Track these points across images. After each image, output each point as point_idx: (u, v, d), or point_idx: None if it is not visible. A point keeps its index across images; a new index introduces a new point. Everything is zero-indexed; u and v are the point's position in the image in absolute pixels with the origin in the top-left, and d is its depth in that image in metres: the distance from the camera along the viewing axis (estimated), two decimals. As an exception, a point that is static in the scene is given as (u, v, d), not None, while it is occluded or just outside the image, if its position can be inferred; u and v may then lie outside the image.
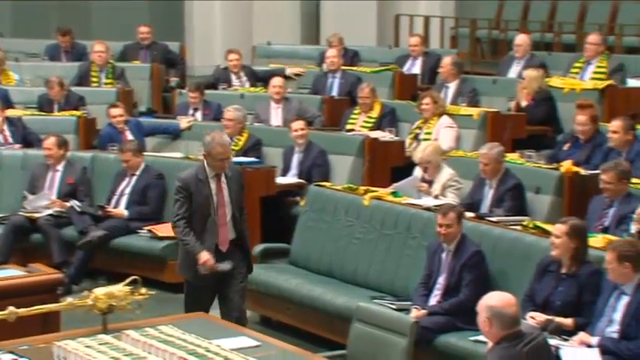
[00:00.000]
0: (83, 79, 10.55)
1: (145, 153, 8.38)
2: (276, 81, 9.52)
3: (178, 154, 8.60)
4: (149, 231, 7.78)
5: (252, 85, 10.43)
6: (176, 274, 7.54)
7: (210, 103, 9.67)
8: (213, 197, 5.67)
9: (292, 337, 5.95)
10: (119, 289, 4.56)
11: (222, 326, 4.86)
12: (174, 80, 11.34)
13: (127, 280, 4.61)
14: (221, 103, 9.46)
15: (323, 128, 9.14)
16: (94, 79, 10.59)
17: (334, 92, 10.07)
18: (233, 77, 10.58)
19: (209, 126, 9.13)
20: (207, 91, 9.87)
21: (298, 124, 8.41)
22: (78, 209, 7.89)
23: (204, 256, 5.64)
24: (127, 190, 8.06)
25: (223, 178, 5.71)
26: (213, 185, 5.69)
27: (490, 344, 4.15)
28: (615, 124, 7.15)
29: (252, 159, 8.28)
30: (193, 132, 9.22)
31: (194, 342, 4.33)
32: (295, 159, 8.43)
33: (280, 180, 8.18)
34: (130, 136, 8.88)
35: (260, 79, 10.56)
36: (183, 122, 9.34)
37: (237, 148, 8.57)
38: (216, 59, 12.32)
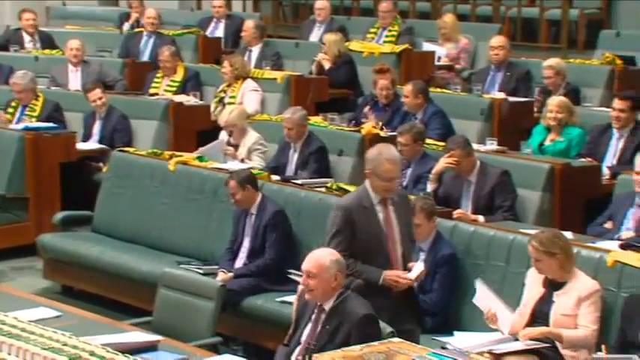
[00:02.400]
0: None
1: None
2: (74, 43, 9.17)
3: (-32, 121, 8.16)
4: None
5: (44, 48, 9.98)
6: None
7: (1, 65, 9.19)
8: (383, 228, 4.59)
9: (96, 306, 5.82)
10: None
11: (19, 298, 4.68)
12: (-43, 41, 10.66)
13: None
14: (13, 66, 9.01)
15: (125, 92, 8.92)
16: None
17: (146, 55, 9.81)
18: (26, 39, 10.10)
19: (1, 90, 8.70)
20: (-2, 53, 9.39)
21: (95, 95, 8.09)
22: None
23: (391, 274, 4.55)
24: None
25: (390, 205, 4.64)
26: (381, 214, 4.62)
27: (325, 304, 4.21)
28: (406, 89, 7.44)
29: (50, 124, 7.94)
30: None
31: (-12, 316, 4.13)
32: (97, 124, 8.19)
33: (81, 146, 7.93)
34: None
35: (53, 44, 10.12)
36: (-28, 86, 8.84)
37: (34, 114, 8.23)
38: (6, 19, 11.67)
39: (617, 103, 6.69)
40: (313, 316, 4.30)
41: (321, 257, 4.27)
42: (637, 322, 4.39)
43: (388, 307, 4.53)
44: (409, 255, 4.71)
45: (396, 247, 4.63)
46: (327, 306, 4.25)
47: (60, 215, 6.89)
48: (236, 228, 5.94)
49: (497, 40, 8.56)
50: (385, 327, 4.34)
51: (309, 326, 4.29)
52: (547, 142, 6.94)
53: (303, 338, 4.29)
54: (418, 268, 4.65)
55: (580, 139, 6.89)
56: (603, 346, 4.40)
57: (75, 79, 9.13)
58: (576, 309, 4.57)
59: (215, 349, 4.43)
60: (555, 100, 7.00)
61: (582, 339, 4.54)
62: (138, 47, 9.95)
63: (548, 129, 6.98)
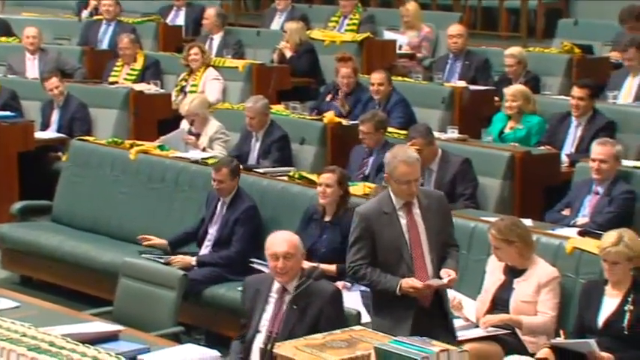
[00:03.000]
0: None
1: None
2: (30, 31, 9.04)
3: None
4: None
5: (0, 35, 9.82)
6: None
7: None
8: (405, 235, 4.36)
9: (56, 296, 5.78)
10: None
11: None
12: None
13: None
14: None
15: (84, 81, 8.82)
16: None
17: (105, 43, 9.70)
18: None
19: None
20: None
21: (51, 84, 8.00)
22: None
23: (408, 283, 4.26)
24: None
25: (416, 209, 4.39)
26: (403, 220, 4.37)
27: (288, 285, 4.24)
28: (379, 77, 7.43)
29: (7, 113, 7.83)
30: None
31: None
32: (55, 113, 8.10)
33: (40, 135, 7.84)
34: None
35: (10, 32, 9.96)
36: None
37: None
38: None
39: (575, 91, 6.76)
40: (272, 300, 4.29)
41: (290, 238, 4.31)
42: (594, 308, 4.46)
43: (411, 319, 4.30)
44: (440, 261, 4.37)
45: (421, 253, 4.36)
46: (291, 286, 4.26)
47: (18, 205, 6.81)
48: (207, 209, 5.91)
49: (456, 29, 8.59)
50: (350, 310, 4.36)
51: (269, 311, 4.28)
52: (507, 130, 7.00)
53: (263, 324, 4.28)
54: (443, 277, 4.34)
55: (540, 127, 6.96)
56: (562, 331, 4.47)
57: (32, 67, 9.01)
58: (536, 296, 4.62)
59: (177, 338, 4.42)
60: (511, 89, 7.06)
61: (541, 325, 4.60)
62: (97, 35, 9.84)
63: (509, 117, 7.04)
